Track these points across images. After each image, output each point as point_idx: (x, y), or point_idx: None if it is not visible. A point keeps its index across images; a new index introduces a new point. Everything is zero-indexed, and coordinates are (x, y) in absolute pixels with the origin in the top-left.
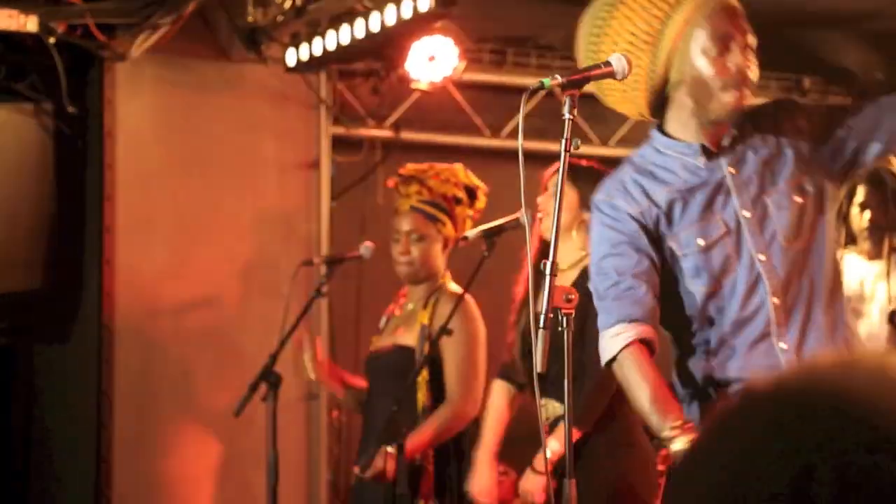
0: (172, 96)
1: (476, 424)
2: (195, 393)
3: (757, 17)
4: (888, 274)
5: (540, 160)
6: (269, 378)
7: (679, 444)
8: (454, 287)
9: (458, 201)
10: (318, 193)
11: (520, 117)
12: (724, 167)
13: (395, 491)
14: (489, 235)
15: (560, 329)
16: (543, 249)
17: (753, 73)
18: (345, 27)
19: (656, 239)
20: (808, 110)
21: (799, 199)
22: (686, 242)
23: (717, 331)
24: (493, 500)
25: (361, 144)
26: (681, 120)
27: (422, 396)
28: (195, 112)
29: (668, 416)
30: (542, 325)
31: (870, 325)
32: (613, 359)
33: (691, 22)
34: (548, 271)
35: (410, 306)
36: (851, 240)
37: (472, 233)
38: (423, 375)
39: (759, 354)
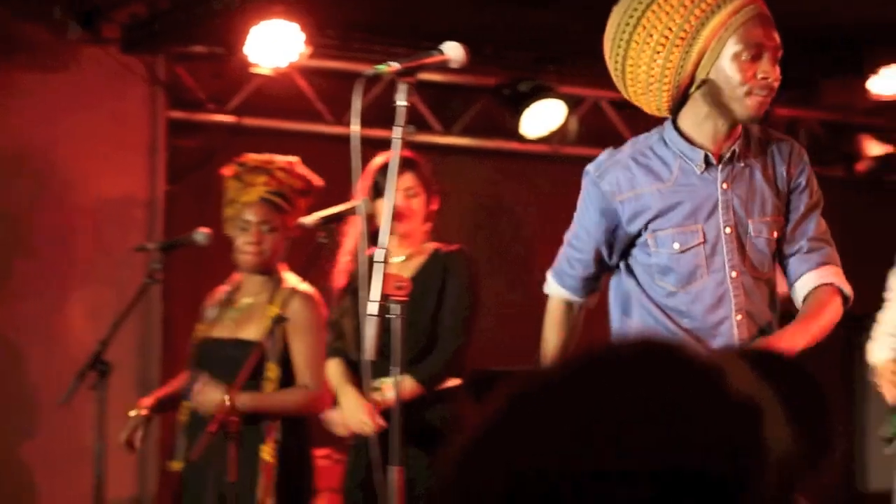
0: (6, 76)
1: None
2: (26, 381)
3: None
4: None
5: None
6: (99, 366)
7: None
8: (293, 279)
9: (302, 193)
10: (155, 178)
11: (355, 103)
12: (719, 181)
13: (225, 480)
14: (327, 222)
15: (390, 316)
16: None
17: (777, 82)
18: (184, 8)
19: (629, 225)
20: (811, 177)
21: (775, 236)
22: (662, 243)
23: (680, 328)
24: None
25: (201, 129)
26: (696, 120)
27: (270, 391)
28: (29, 93)
29: None
30: (374, 312)
31: None
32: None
33: (727, 26)
34: (379, 259)
35: (248, 300)
36: None
37: (309, 219)
38: (274, 371)
39: None
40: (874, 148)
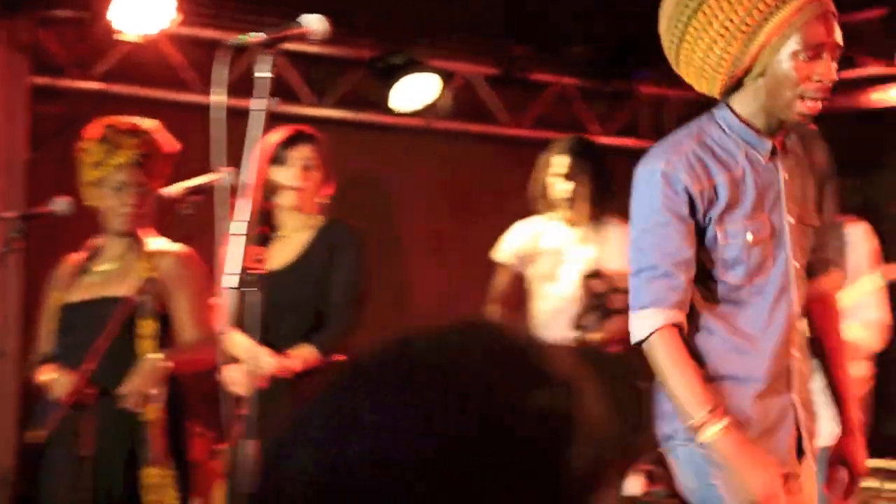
0: None
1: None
2: None
3: None
4: (581, 239)
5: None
6: None
7: (711, 430)
8: (160, 241)
9: (168, 158)
10: (15, 145)
11: (218, 73)
12: (781, 170)
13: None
14: (192, 193)
15: (248, 289)
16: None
17: (832, 83)
18: None
19: (703, 220)
20: (830, 162)
21: (816, 224)
22: (734, 234)
23: (738, 321)
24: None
25: (65, 95)
26: (752, 109)
27: (148, 348)
28: None
29: (701, 403)
30: (232, 285)
31: (567, 289)
32: (644, 340)
33: (791, 24)
34: (239, 231)
35: (110, 265)
36: (551, 207)
37: (174, 188)
38: (149, 328)
39: (780, 354)
40: None
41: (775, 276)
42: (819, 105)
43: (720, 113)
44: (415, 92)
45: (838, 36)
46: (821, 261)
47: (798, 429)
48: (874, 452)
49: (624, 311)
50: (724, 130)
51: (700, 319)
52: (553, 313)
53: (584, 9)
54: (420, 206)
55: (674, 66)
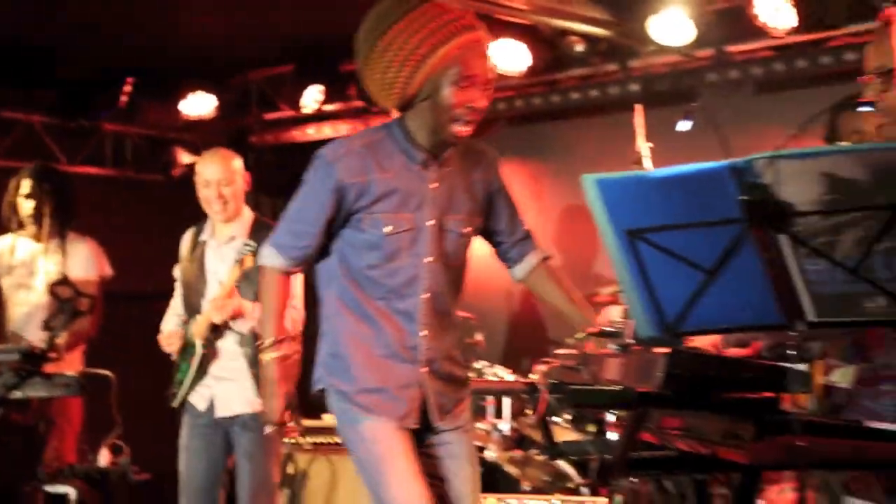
0: None
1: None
2: None
3: None
4: (47, 252)
5: None
6: None
7: (269, 354)
8: None
9: None
10: None
11: None
12: (430, 180)
13: None
14: None
15: None
16: None
17: (483, 106)
18: None
19: (353, 207)
20: (500, 175)
21: (467, 230)
22: (375, 224)
23: (371, 296)
24: None
25: None
26: (418, 125)
27: None
28: None
29: (273, 332)
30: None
31: (37, 296)
32: (263, 267)
33: (452, 57)
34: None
35: None
36: (20, 225)
37: None
38: None
39: (403, 328)
40: (185, 157)
41: (408, 266)
42: (470, 128)
43: (394, 125)
44: None
45: (491, 71)
46: (520, 243)
47: (424, 397)
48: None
49: (89, 312)
50: (391, 139)
51: (345, 285)
52: (27, 317)
53: (51, 53)
54: None
55: (362, 83)
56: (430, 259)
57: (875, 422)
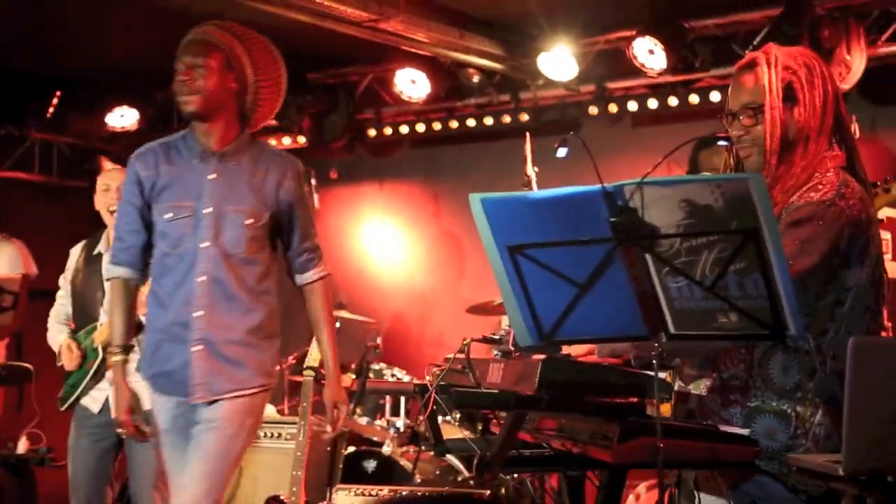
0: None
1: None
2: None
3: None
4: None
5: None
6: None
7: (115, 356)
8: None
9: None
10: None
11: None
12: (210, 172)
13: None
14: None
15: None
16: None
17: (194, 84)
18: None
19: (149, 198)
20: (299, 186)
21: (249, 222)
22: (162, 211)
23: (165, 282)
24: None
25: None
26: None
27: None
28: None
29: (120, 337)
30: None
31: None
32: (108, 280)
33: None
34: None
35: None
36: None
37: None
38: None
39: (181, 310)
40: (109, 166)
41: (189, 250)
42: (188, 101)
43: (189, 130)
44: None
45: (196, 58)
46: (305, 254)
47: (191, 375)
48: None
49: (11, 308)
50: (185, 140)
51: (156, 269)
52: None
53: None
54: None
55: None
56: (205, 245)
57: (725, 426)
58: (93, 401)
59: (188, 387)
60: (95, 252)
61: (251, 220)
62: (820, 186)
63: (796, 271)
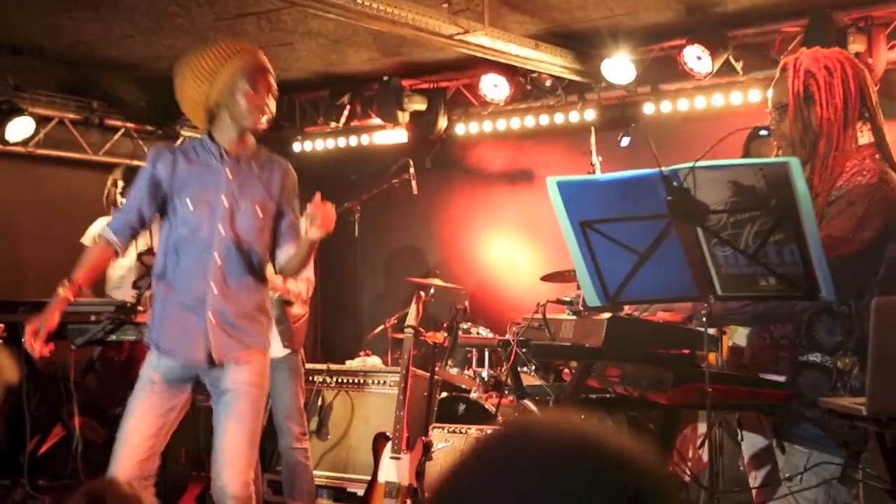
0: None
1: None
2: None
3: None
4: None
5: None
6: None
7: (61, 288)
8: None
9: None
10: None
11: None
12: (227, 169)
13: None
14: None
15: None
16: None
17: (271, 107)
18: None
19: (165, 192)
20: (294, 184)
21: (260, 214)
22: (182, 202)
23: (183, 262)
24: None
25: None
26: (219, 128)
27: None
28: None
29: (76, 275)
30: None
31: (128, 260)
32: (99, 236)
33: (238, 71)
34: None
35: None
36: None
37: None
38: None
39: (199, 285)
40: None
41: (206, 235)
42: (260, 118)
43: (204, 135)
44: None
45: (270, 80)
46: (287, 236)
47: (209, 342)
48: None
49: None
50: (202, 144)
51: (170, 252)
52: (120, 280)
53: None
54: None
55: (182, 108)
56: (222, 230)
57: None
58: None
59: (204, 351)
60: None
61: (261, 211)
62: (865, 172)
63: (856, 245)
